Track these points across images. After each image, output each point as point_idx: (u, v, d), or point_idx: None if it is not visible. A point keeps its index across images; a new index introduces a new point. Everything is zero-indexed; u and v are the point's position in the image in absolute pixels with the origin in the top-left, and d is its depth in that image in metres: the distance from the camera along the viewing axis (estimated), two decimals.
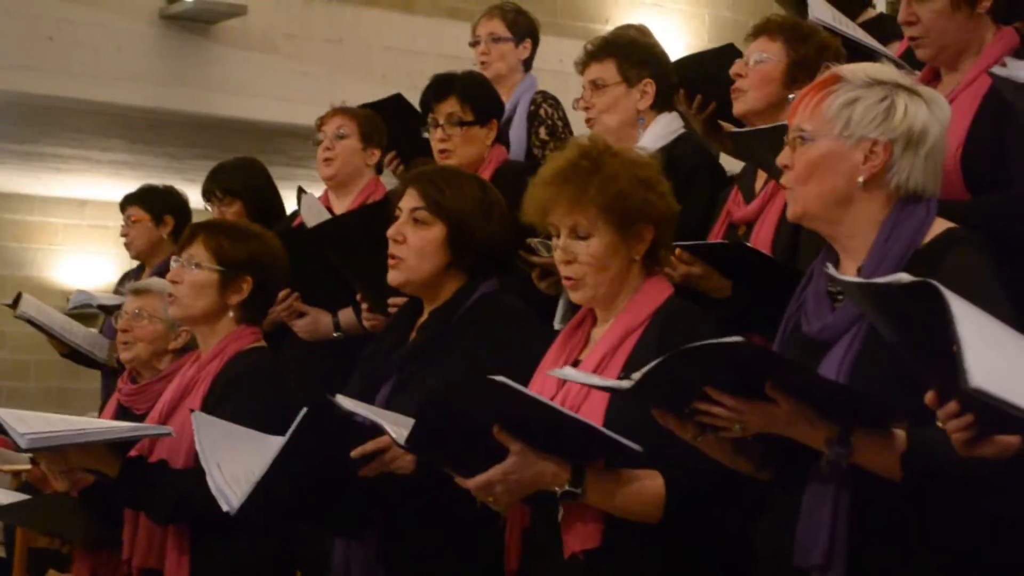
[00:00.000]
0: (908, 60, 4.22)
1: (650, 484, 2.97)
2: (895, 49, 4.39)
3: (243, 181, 5.82)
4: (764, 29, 4.03)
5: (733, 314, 3.53)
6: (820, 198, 2.80)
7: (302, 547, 3.89)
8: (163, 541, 3.92)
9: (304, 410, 3.29)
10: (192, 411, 3.73)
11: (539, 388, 3.16)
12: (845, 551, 2.65)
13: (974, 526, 2.63)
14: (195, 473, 3.75)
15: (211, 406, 3.88)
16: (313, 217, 5.07)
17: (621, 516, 2.98)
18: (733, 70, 4.03)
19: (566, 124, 5.64)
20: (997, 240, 3.15)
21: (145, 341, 4.66)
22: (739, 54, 4.34)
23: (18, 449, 3.88)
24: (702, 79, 4.46)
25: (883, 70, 2.85)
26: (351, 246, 4.45)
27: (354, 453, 3.32)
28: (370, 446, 3.31)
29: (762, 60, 3.96)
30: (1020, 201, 3.15)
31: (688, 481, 2.95)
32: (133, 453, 3.95)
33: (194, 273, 4.04)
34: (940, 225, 2.80)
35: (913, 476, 2.56)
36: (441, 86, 4.89)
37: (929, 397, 2.34)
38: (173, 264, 4.13)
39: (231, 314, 4.08)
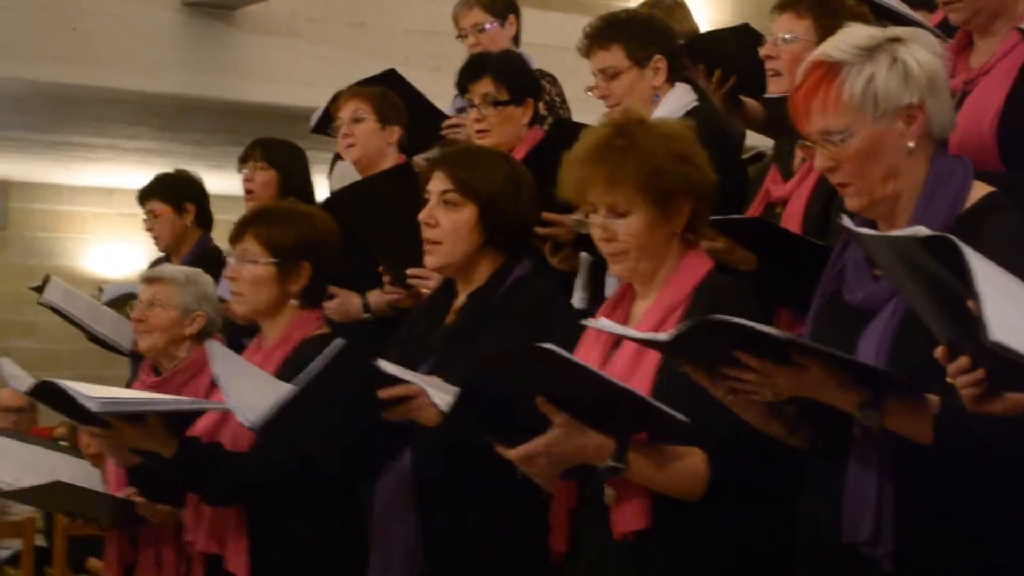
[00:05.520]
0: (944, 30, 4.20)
1: (692, 460, 2.96)
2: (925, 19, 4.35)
3: (286, 159, 5.91)
4: (790, 4, 3.97)
5: (760, 288, 3.53)
6: (884, 182, 2.77)
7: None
8: (226, 526, 3.96)
9: (337, 342, 3.30)
10: (207, 341, 3.77)
11: (583, 360, 3.13)
12: (893, 524, 2.64)
13: (1012, 491, 2.62)
14: (252, 456, 3.78)
15: None
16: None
17: (663, 492, 2.97)
18: (763, 51, 3.97)
19: (563, 100, 5.61)
20: None
21: (160, 329, 4.66)
22: (754, 34, 4.31)
23: (84, 419, 3.96)
24: (719, 55, 4.44)
25: (860, 34, 2.81)
26: (370, 214, 4.44)
27: (382, 394, 3.32)
28: (399, 390, 3.31)
29: (791, 40, 3.91)
30: None
31: (731, 457, 2.95)
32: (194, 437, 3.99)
33: (250, 269, 4.05)
34: (980, 189, 2.77)
35: (945, 439, 2.55)
36: (475, 66, 4.91)
37: (939, 352, 2.34)
38: (228, 260, 4.13)
39: (293, 302, 4.08)
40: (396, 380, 3.27)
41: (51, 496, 4.60)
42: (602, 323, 2.95)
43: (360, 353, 3.31)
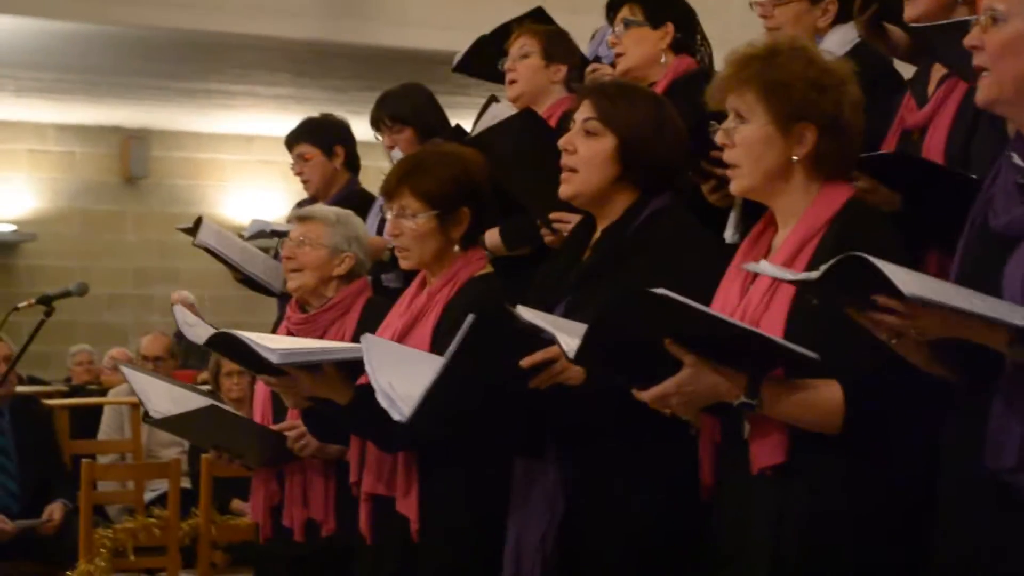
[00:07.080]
0: None
1: (828, 393, 2.92)
2: None
3: (411, 106, 5.85)
4: None
5: (906, 228, 3.46)
6: (1015, 82, 2.68)
7: None
8: (392, 468, 3.96)
9: (469, 318, 3.29)
10: (363, 335, 3.76)
11: (723, 298, 3.15)
12: None
13: None
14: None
15: (442, 333, 3.86)
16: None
17: (799, 426, 2.95)
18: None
19: (704, 38, 5.50)
20: None
21: (310, 268, 4.66)
22: None
23: (259, 368, 4.00)
24: None
25: None
26: (511, 157, 4.41)
27: (524, 363, 3.32)
28: (539, 356, 3.31)
29: None
30: None
31: (867, 390, 2.91)
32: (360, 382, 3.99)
33: (411, 224, 4.02)
34: None
35: None
36: None
37: None
38: (387, 216, 4.13)
39: (457, 247, 4.08)
40: (534, 328, 3.25)
41: (202, 424, 4.58)
42: (762, 266, 2.87)
43: (494, 325, 3.29)
